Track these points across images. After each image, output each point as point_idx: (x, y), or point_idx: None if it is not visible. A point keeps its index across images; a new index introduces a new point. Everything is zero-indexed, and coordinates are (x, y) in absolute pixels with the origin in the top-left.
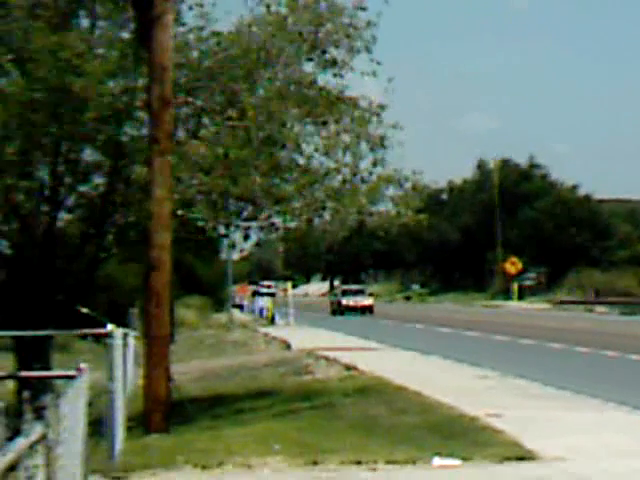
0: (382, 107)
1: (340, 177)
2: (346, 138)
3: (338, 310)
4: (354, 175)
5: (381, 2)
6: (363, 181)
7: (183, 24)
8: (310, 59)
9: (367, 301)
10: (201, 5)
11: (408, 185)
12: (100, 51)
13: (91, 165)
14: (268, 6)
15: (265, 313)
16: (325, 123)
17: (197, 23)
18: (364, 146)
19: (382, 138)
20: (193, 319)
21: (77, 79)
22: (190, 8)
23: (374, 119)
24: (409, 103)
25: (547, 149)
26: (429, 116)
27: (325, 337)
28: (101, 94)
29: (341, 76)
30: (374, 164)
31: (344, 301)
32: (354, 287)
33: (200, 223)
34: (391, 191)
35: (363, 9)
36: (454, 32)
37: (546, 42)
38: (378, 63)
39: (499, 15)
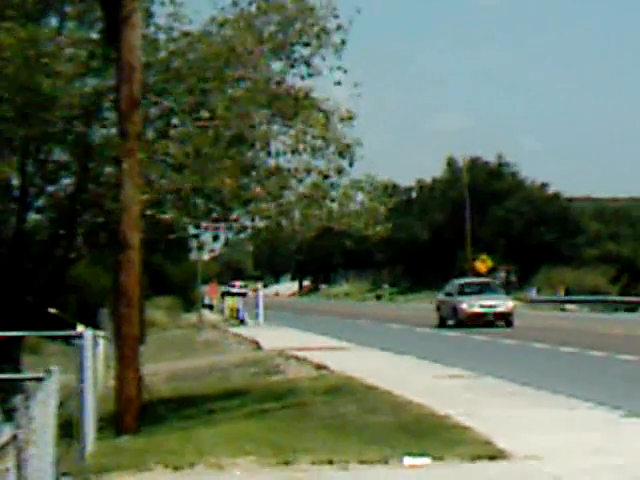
0: (350, 116)
1: (310, 180)
2: (313, 140)
3: (454, 319)
4: (324, 178)
5: (353, 6)
6: (333, 186)
7: (155, 25)
8: (279, 59)
9: (504, 305)
10: (173, 2)
11: (378, 189)
12: (69, 51)
13: (60, 165)
14: (235, 3)
15: (243, 314)
16: (290, 127)
17: (167, 23)
18: (333, 149)
19: (349, 146)
20: (163, 319)
21: (46, 78)
22: (162, 4)
23: (340, 126)
24: (379, 102)
25: (517, 147)
26: (399, 115)
27: (296, 337)
28: (70, 93)
29: (310, 75)
30: (339, 172)
31: (465, 305)
32: (478, 280)
33: (169, 222)
34: (360, 197)
35: (335, 16)
36: (422, 30)
37: (516, 39)
38: (345, 71)
39: (468, 12)
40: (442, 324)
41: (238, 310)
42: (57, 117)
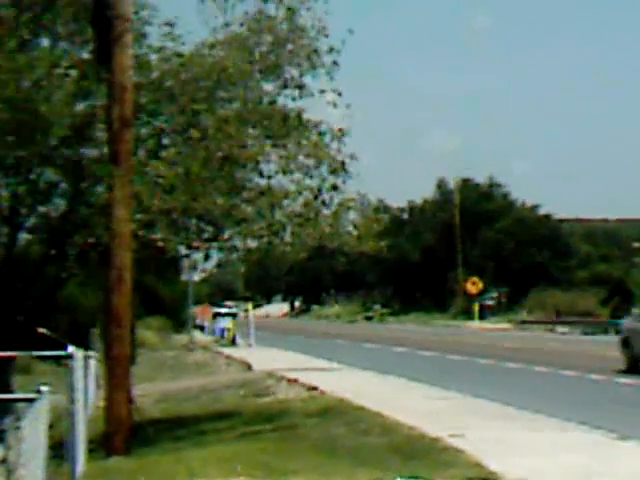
0: (342, 132)
1: (301, 199)
2: (306, 161)
3: None
4: (315, 198)
5: (345, 28)
6: (324, 204)
7: (148, 46)
8: (272, 80)
9: None
10: (172, 25)
11: (369, 209)
12: (60, 71)
13: (51, 186)
14: (227, 24)
15: (226, 334)
16: (284, 146)
17: (161, 43)
18: (325, 169)
19: (343, 163)
20: (154, 340)
21: (44, 101)
22: (157, 25)
23: (334, 144)
24: (370, 123)
25: (508, 169)
26: (389, 136)
27: (286, 358)
28: (64, 115)
29: (300, 98)
30: (334, 188)
31: None
32: None
33: (161, 243)
34: (352, 215)
35: (325, 35)
36: (415, 51)
37: (507, 61)
38: (339, 94)
39: (460, 33)
40: (634, 368)
41: (228, 330)
42: (52, 139)
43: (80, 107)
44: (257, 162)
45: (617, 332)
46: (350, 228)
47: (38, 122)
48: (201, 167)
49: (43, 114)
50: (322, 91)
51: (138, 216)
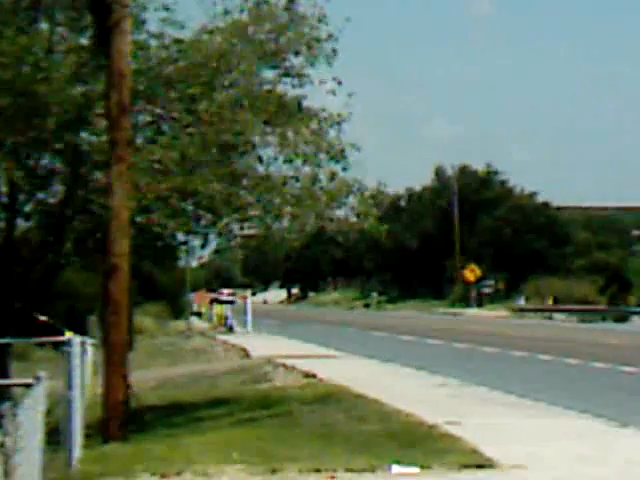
0: (340, 117)
1: (299, 184)
2: (305, 148)
3: None
4: (313, 184)
5: (343, 15)
6: (322, 190)
7: (147, 32)
8: (271, 67)
9: None
10: (167, 9)
11: (367, 194)
12: (59, 56)
13: (50, 171)
14: (227, 12)
15: (229, 322)
16: (282, 134)
17: (159, 29)
18: (324, 155)
19: (342, 151)
20: (152, 326)
21: (41, 84)
22: (156, 10)
23: (332, 131)
24: (369, 109)
25: (506, 156)
26: (389, 122)
27: (284, 345)
28: (62, 99)
29: (300, 85)
30: (332, 176)
31: None
32: None
33: (158, 229)
34: (351, 199)
35: (325, 23)
36: (415, 38)
37: (507, 49)
38: (339, 83)
39: (461, 21)
40: None
41: (226, 318)
42: (50, 123)
43: (78, 90)
44: (254, 146)
45: (615, 320)
46: (349, 211)
47: (36, 105)
48: (198, 153)
49: (41, 97)
50: (322, 82)
51: (136, 202)
